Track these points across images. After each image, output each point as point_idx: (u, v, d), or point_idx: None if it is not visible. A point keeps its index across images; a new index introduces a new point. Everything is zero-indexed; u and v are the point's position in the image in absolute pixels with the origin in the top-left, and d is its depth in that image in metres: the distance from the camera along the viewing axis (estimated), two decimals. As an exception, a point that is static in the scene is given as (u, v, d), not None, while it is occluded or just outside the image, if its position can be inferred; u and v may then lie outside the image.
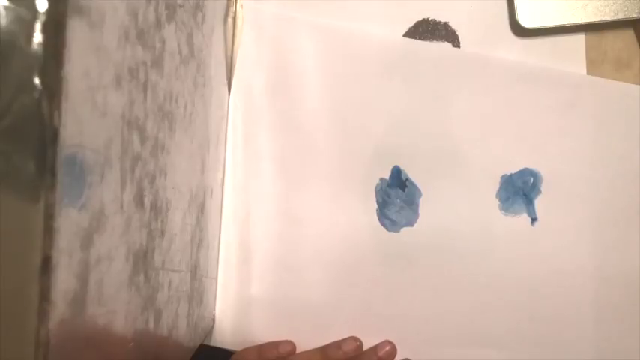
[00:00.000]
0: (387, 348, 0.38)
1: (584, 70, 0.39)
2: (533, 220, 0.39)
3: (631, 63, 0.39)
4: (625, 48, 0.39)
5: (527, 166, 0.39)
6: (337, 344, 0.38)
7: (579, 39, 0.39)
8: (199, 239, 0.35)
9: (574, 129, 0.39)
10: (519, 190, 0.39)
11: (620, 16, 0.38)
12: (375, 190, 0.40)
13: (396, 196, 0.39)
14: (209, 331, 0.40)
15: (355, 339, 0.38)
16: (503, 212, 0.39)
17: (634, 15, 0.38)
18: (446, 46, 0.39)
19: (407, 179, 0.39)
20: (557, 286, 0.39)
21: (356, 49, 0.40)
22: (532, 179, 0.39)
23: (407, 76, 0.39)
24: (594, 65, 0.39)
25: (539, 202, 0.39)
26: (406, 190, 0.39)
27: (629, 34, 0.39)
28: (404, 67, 0.39)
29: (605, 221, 0.39)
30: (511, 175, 0.39)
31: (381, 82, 0.39)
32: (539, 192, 0.39)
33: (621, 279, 0.39)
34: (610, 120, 0.39)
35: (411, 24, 0.40)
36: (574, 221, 0.39)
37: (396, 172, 0.39)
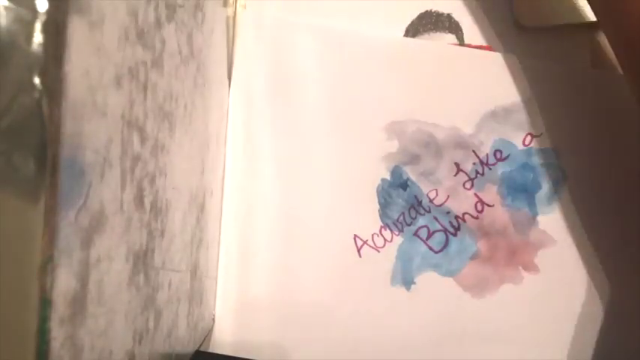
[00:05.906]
0: None
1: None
2: (535, 215, 0.39)
3: (631, 63, 0.39)
4: (625, 48, 0.39)
5: (528, 162, 0.39)
6: None
7: (580, 39, 0.39)
8: (199, 239, 0.35)
9: (577, 124, 0.39)
10: (519, 186, 0.39)
11: (620, 15, 0.38)
12: (377, 191, 0.40)
13: (398, 195, 0.39)
14: (209, 332, 0.39)
15: None
16: (504, 207, 0.39)
17: (634, 15, 0.38)
18: (449, 37, 0.40)
19: (407, 179, 0.39)
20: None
21: (355, 49, 0.40)
22: (532, 175, 0.39)
23: (408, 75, 0.39)
24: (595, 65, 0.39)
25: (539, 197, 0.39)
26: (407, 189, 0.39)
27: (629, 34, 0.39)
28: (404, 67, 0.39)
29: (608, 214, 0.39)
30: (511, 171, 0.39)
31: (381, 82, 0.39)
32: (539, 187, 0.39)
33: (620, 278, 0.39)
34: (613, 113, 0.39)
35: (414, 16, 0.40)
36: (575, 216, 0.39)
37: (397, 172, 0.39)
